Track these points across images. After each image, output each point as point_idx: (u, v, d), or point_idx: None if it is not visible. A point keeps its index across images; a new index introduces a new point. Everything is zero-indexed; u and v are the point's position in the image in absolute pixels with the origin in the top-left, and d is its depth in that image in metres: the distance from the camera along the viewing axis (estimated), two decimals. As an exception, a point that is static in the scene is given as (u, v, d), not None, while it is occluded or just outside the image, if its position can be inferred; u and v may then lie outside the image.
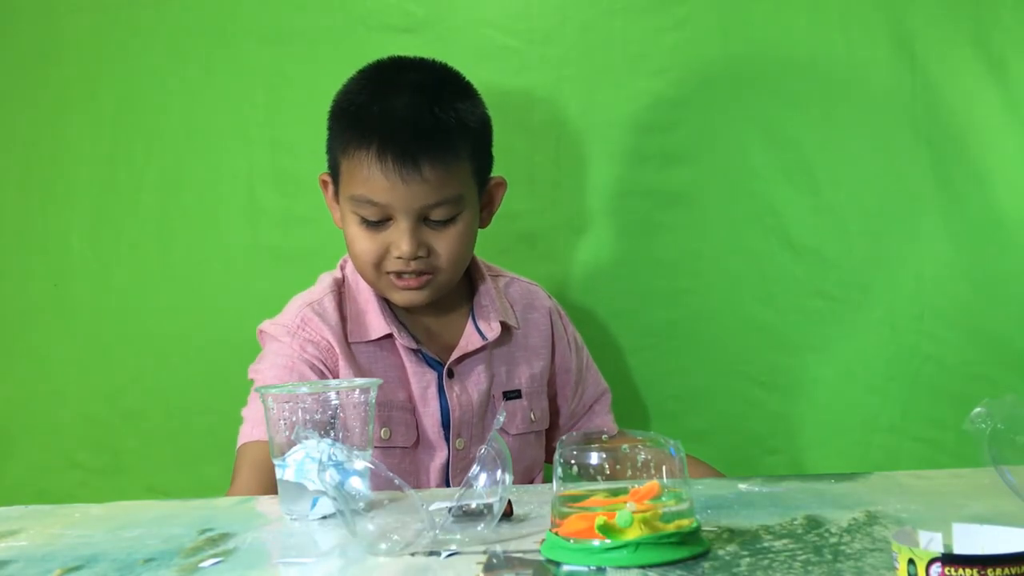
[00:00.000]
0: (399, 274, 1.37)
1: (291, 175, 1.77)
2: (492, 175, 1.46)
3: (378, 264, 1.37)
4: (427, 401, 1.40)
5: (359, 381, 1.09)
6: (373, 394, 1.06)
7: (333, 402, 1.03)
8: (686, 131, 1.73)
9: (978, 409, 0.93)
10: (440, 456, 1.40)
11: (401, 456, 1.38)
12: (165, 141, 1.79)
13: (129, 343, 1.79)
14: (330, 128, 1.43)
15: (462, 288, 1.48)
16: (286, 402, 1.04)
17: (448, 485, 1.39)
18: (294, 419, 1.02)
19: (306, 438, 1.01)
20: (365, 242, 1.37)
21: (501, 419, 0.98)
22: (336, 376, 1.36)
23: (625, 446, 0.86)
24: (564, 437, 0.90)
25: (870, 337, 1.72)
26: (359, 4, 1.76)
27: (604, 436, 0.90)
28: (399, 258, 1.35)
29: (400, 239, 1.35)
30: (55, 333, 1.81)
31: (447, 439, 1.41)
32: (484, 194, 1.44)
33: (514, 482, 1.42)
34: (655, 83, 1.73)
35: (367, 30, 1.75)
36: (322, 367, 1.36)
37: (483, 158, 1.43)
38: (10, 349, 1.82)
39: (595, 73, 1.74)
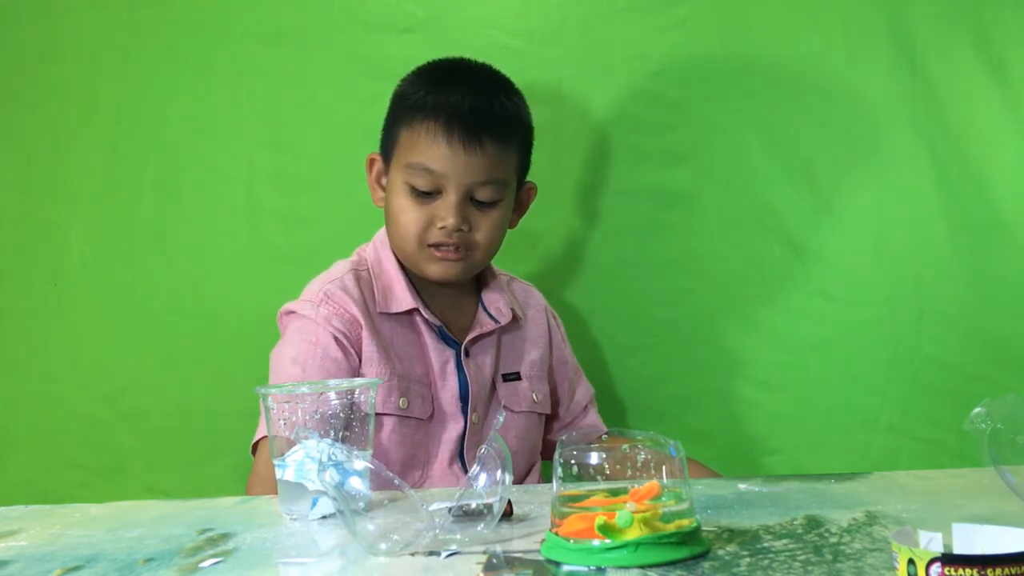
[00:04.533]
0: (439, 246, 1.44)
1: (291, 175, 1.77)
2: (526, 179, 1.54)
3: (421, 236, 1.44)
4: (446, 376, 1.47)
5: (359, 381, 1.09)
6: (373, 394, 1.07)
7: (333, 402, 1.03)
8: (686, 131, 1.74)
9: (978, 409, 0.93)
10: (455, 428, 1.46)
11: (416, 427, 1.44)
12: (165, 141, 1.79)
13: (129, 343, 1.79)
14: (392, 108, 1.50)
15: (471, 279, 1.55)
16: (286, 402, 1.04)
17: (462, 457, 1.45)
18: (294, 419, 1.03)
19: (306, 438, 1.01)
20: (412, 212, 1.44)
21: (501, 419, 0.98)
22: (359, 350, 1.42)
23: (625, 446, 0.86)
24: (564, 437, 0.90)
25: (870, 337, 1.72)
26: (359, 4, 1.76)
27: (604, 436, 0.90)
28: (442, 229, 1.42)
29: (447, 212, 1.42)
30: (55, 333, 1.81)
31: (464, 412, 1.47)
32: (519, 194, 1.53)
33: (519, 462, 1.47)
34: (655, 83, 1.73)
35: (367, 30, 1.76)
36: (345, 341, 1.41)
37: (526, 155, 1.53)
38: (10, 349, 1.82)
39: (595, 73, 1.74)
